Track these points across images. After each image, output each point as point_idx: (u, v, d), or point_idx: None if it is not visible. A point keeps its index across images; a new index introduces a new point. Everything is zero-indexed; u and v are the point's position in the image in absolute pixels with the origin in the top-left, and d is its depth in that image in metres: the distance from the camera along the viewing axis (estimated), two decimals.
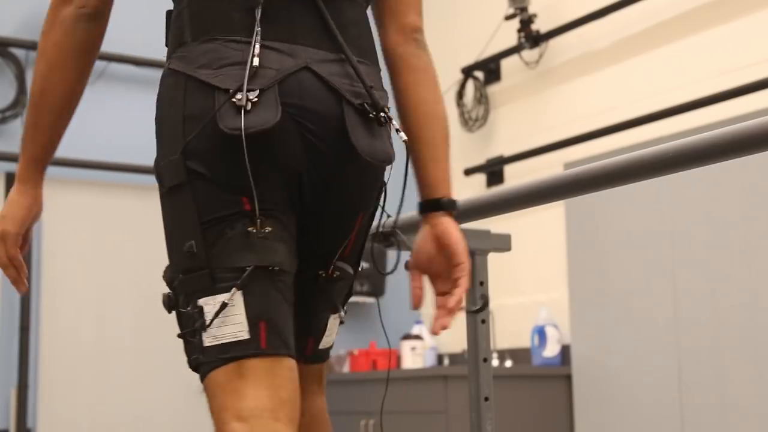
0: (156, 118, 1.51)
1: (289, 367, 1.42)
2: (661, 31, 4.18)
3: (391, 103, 1.61)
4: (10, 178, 4.53)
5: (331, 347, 1.69)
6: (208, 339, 1.40)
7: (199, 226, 1.42)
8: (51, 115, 1.58)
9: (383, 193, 1.62)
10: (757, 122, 1.48)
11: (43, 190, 1.67)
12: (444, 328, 1.53)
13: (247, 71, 1.41)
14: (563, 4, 4.66)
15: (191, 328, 1.42)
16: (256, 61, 1.42)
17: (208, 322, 1.39)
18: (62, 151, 5.18)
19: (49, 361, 4.53)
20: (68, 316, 4.59)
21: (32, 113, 1.59)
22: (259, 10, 1.45)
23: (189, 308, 1.42)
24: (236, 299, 1.39)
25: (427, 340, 4.93)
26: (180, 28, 1.50)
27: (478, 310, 2.11)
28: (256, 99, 1.40)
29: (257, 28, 1.44)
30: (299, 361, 1.51)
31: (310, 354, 1.63)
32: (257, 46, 1.43)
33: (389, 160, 1.55)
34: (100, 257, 4.71)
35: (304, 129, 1.45)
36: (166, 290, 1.49)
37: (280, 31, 1.47)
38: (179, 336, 1.45)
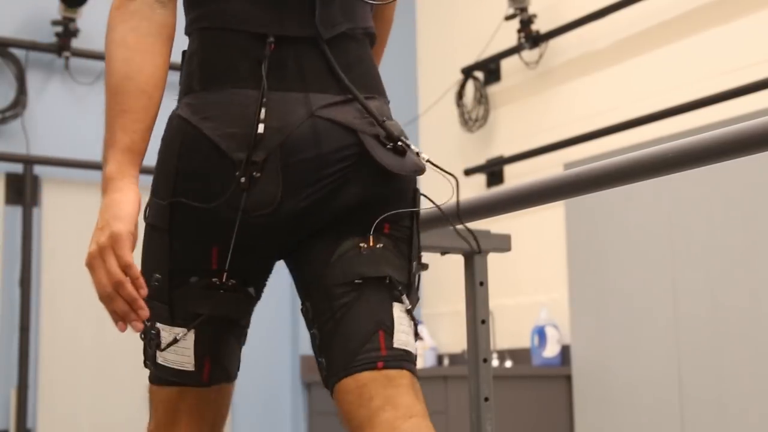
0: (158, 151, 1.53)
1: (225, 393, 1.59)
2: (661, 31, 4.18)
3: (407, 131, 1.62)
4: (9, 178, 4.53)
5: (411, 353, 1.49)
6: (161, 359, 1.52)
7: (168, 269, 1.50)
8: (142, 96, 1.43)
9: (418, 198, 1.59)
10: (757, 122, 1.48)
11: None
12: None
13: (246, 158, 1.43)
14: (563, 4, 4.66)
15: (148, 340, 1.54)
16: (261, 128, 1.44)
17: (162, 347, 1.51)
18: (62, 151, 5.15)
19: (49, 361, 4.53)
20: (68, 316, 4.59)
21: (118, 101, 1.43)
22: (266, 63, 1.47)
23: (148, 324, 1.52)
24: (188, 336, 1.50)
25: (427, 340, 4.93)
26: (190, 74, 1.51)
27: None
28: (258, 174, 1.44)
29: (264, 83, 1.45)
30: (373, 368, 1.44)
31: (385, 353, 1.45)
32: (263, 111, 1.44)
33: (421, 170, 1.55)
34: None
35: (306, 184, 1.46)
36: None
37: (286, 80, 1.48)
38: (141, 337, 1.56)
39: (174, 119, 1.50)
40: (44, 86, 4.71)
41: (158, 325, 1.51)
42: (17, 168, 4.53)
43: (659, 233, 3.98)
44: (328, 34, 1.51)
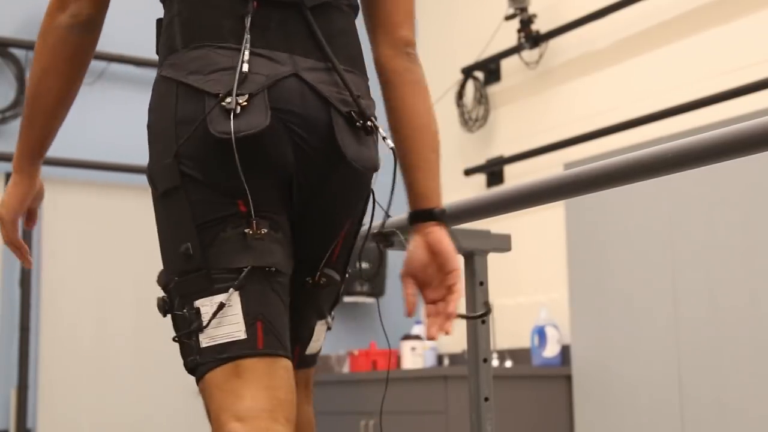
0: (148, 124, 1.53)
1: (285, 367, 1.43)
2: (661, 31, 4.18)
3: (379, 113, 1.62)
4: (9, 178, 4.53)
5: (317, 353, 1.68)
6: (205, 340, 1.40)
7: (194, 228, 1.43)
8: (43, 115, 1.63)
9: (372, 201, 1.64)
10: (757, 122, 1.48)
11: (46, 190, 1.79)
12: (446, 332, 1.54)
13: (237, 76, 1.43)
14: (563, 4, 4.66)
15: (187, 330, 1.42)
16: (245, 67, 1.44)
17: (205, 323, 1.40)
18: (62, 151, 5.18)
19: (49, 361, 4.53)
20: (68, 316, 4.59)
21: (27, 113, 1.64)
22: (249, 19, 1.48)
23: (185, 310, 1.43)
24: (233, 300, 1.40)
25: (426, 340, 4.93)
26: (171, 36, 1.52)
27: (481, 316, 2.11)
28: (245, 103, 1.43)
29: (246, 35, 1.47)
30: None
31: (296, 360, 1.58)
32: (246, 53, 1.45)
33: (375, 167, 1.58)
34: (100, 257, 4.71)
35: (292, 133, 1.47)
36: (161, 294, 1.49)
37: (270, 39, 1.49)
38: (175, 339, 1.46)
39: (160, 83, 1.51)
40: None
41: (196, 303, 1.41)
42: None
43: (659, 233, 3.98)
44: (312, 1, 1.53)
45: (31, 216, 1.78)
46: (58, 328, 4.57)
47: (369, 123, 1.53)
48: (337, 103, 1.51)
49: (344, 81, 1.52)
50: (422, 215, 1.60)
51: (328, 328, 1.68)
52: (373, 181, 1.62)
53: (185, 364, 1.45)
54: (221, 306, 1.40)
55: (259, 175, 1.45)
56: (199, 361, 1.41)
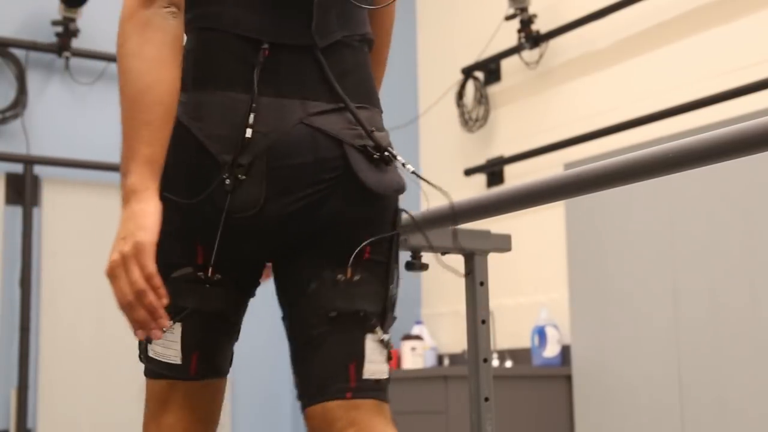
0: None
1: (213, 389, 1.59)
2: (661, 31, 4.18)
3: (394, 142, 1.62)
4: (9, 179, 4.53)
5: (382, 381, 1.53)
6: (152, 352, 1.56)
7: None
8: (161, 107, 1.41)
9: (398, 218, 1.60)
10: (757, 122, 1.48)
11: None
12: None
13: (240, 142, 1.45)
14: (563, 4, 4.66)
15: None
16: (248, 133, 1.45)
17: (151, 340, 1.53)
18: (62, 151, 5.15)
19: (49, 361, 4.53)
20: (68, 316, 4.59)
21: (136, 114, 1.41)
22: (258, 72, 1.48)
23: None
24: (176, 330, 1.52)
25: (427, 340, 4.93)
26: (185, 71, 1.50)
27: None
28: (244, 177, 1.45)
29: (254, 89, 1.47)
30: (343, 398, 1.49)
31: (354, 384, 1.49)
32: (252, 116, 1.46)
33: (402, 188, 1.57)
34: (100, 257, 4.68)
35: (290, 191, 1.48)
36: None
37: (280, 85, 1.49)
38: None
39: None
40: (44, 86, 4.71)
41: None
42: (17, 168, 4.53)
43: (659, 233, 3.98)
44: (323, 42, 1.52)
45: None
46: (58, 328, 4.57)
47: (386, 153, 1.53)
48: (350, 139, 1.50)
49: (357, 118, 1.51)
50: None
51: (388, 351, 1.54)
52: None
53: (138, 355, 1.60)
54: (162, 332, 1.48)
55: (234, 240, 1.49)
56: (146, 364, 1.59)
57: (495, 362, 4.61)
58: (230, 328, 1.59)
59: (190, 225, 1.49)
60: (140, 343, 1.57)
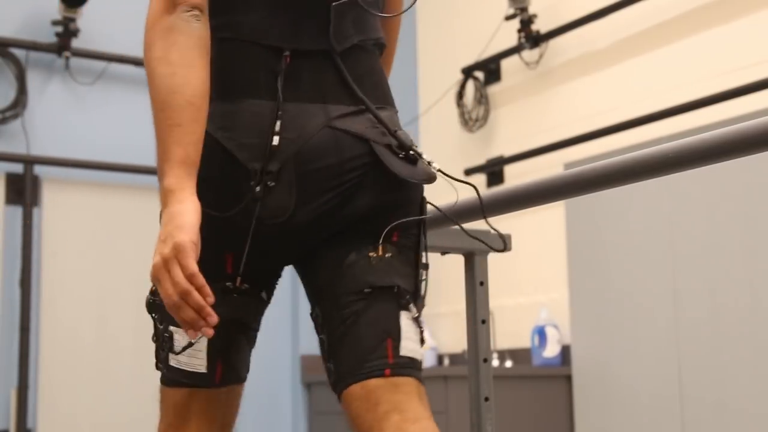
0: None
1: (235, 394, 1.61)
2: (661, 31, 4.18)
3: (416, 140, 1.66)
4: (9, 179, 4.53)
5: (417, 360, 1.53)
6: (173, 361, 1.54)
7: None
8: (191, 108, 1.42)
9: (424, 208, 1.62)
10: (757, 122, 1.48)
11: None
12: None
13: (267, 152, 1.47)
14: (563, 4, 4.66)
15: (161, 343, 1.55)
16: (275, 140, 1.47)
17: (177, 350, 1.52)
18: (62, 151, 5.14)
19: (49, 361, 4.53)
20: (68, 316, 4.59)
21: (167, 116, 1.42)
22: (282, 76, 1.50)
23: (162, 327, 1.53)
24: (202, 339, 1.51)
25: (427, 340, 4.92)
26: None
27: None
28: (273, 183, 1.47)
29: (279, 96, 1.49)
30: (380, 376, 1.48)
31: (391, 361, 1.50)
32: (279, 123, 1.48)
33: (432, 178, 1.58)
34: (100, 257, 4.71)
35: (320, 192, 1.50)
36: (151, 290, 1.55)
37: (301, 91, 1.52)
38: (152, 339, 1.56)
39: None
40: (44, 86, 4.71)
41: (171, 328, 1.51)
42: (17, 168, 4.53)
43: (659, 233, 3.98)
44: (341, 47, 1.56)
45: None
46: (58, 328, 4.57)
47: (411, 152, 1.56)
48: (375, 137, 1.53)
49: (380, 119, 1.55)
50: None
51: (421, 330, 1.55)
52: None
53: (155, 364, 1.57)
54: (190, 344, 1.51)
55: (263, 247, 1.51)
56: (165, 373, 1.57)
57: (495, 362, 4.61)
58: (251, 336, 1.61)
59: (220, 235, 1.49)
60: (158, 352, 1.56)
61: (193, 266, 1.33)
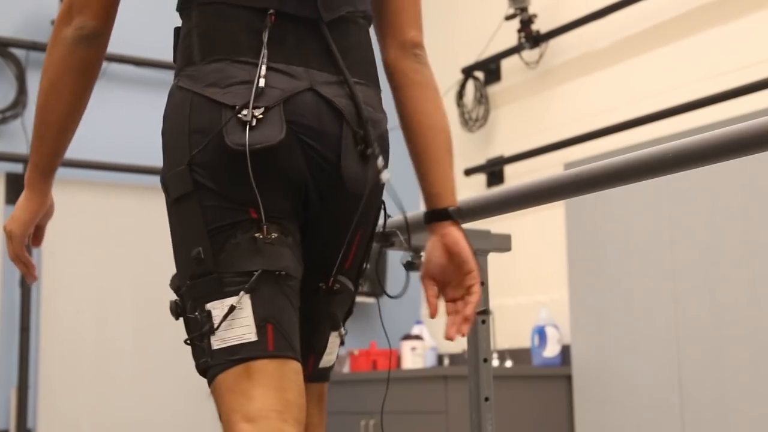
0: (162, 131, 1.54)
1: (295, 369, 1.44)
2: (661, 31, 4.18)
3: (393, 119, 1.64)
4: (9, 179, 4.53)
5: (331, 367, 1.68)
6: (216, 342, 1.42)
7: (206, 232, 1.45)
8: (53, 128, 1.63)
9: (383, 210, 1.65)
10: (757, 122, 1.48)
11: (51, 199, 1.83)
12: (462, 334, 1.61)
13: (254, 90, 1.45)
14: (563, 4, 4.66)
15: (199, 332, 1.44)
16: (262, 82, 1.46)
17: (216, 326, 1.41)
18: None
19: (49, 361, 4.53)
20: (68, 316, 4.59)
21: (36, 125, 1.63)
22: (267, 34, 1.49)
23: (197, 313, 1.44)
24: (244, 302, 1.41)
25: (427, 340, 4.93)
26: (189, 47, 1.53)
27: (481, 312, 2.11)
28: (261, 116, 1.44)
29: (264, 50, 1.48)
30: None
31: (310, 372, 1.60)
32: (263, 67, 1.47)
33: (376, 186, 1.57)
34: (100, 257, 4.71)
35: (306, 146, 1.49)
36: (174, 297, 1.51)
37: (286, 53, 1.51)
38: (186, 342, 1.47)
39: (176, 93, 1.53)
40: None
41: (208, 306, 1.42)
42: (17, 168, 4.53)
43: (659, 233, 3.98)
44: (329, 16, 1.55)
45: (38, 233, 1.80)
46: (58, 328, 4.57)
47: (369, 150, 1.54)
48: (350, 117, 1.52)
49: (354, 96, 1.53)
50: (437, 215, 1.63)
51: (342, 343, 1.66)
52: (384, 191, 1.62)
53: (197, 367, 1.46)
54: (232, 309, 1.41)
55: (271, 185, 1.46)
56: (211, 363, 1.42)
57: (495, 362, 4.61)
58: (297, 303, 1.49)
59: (228, 184, 1.45)
60: (197, 352, 1.45)
61: (14, 249, 1.72)
